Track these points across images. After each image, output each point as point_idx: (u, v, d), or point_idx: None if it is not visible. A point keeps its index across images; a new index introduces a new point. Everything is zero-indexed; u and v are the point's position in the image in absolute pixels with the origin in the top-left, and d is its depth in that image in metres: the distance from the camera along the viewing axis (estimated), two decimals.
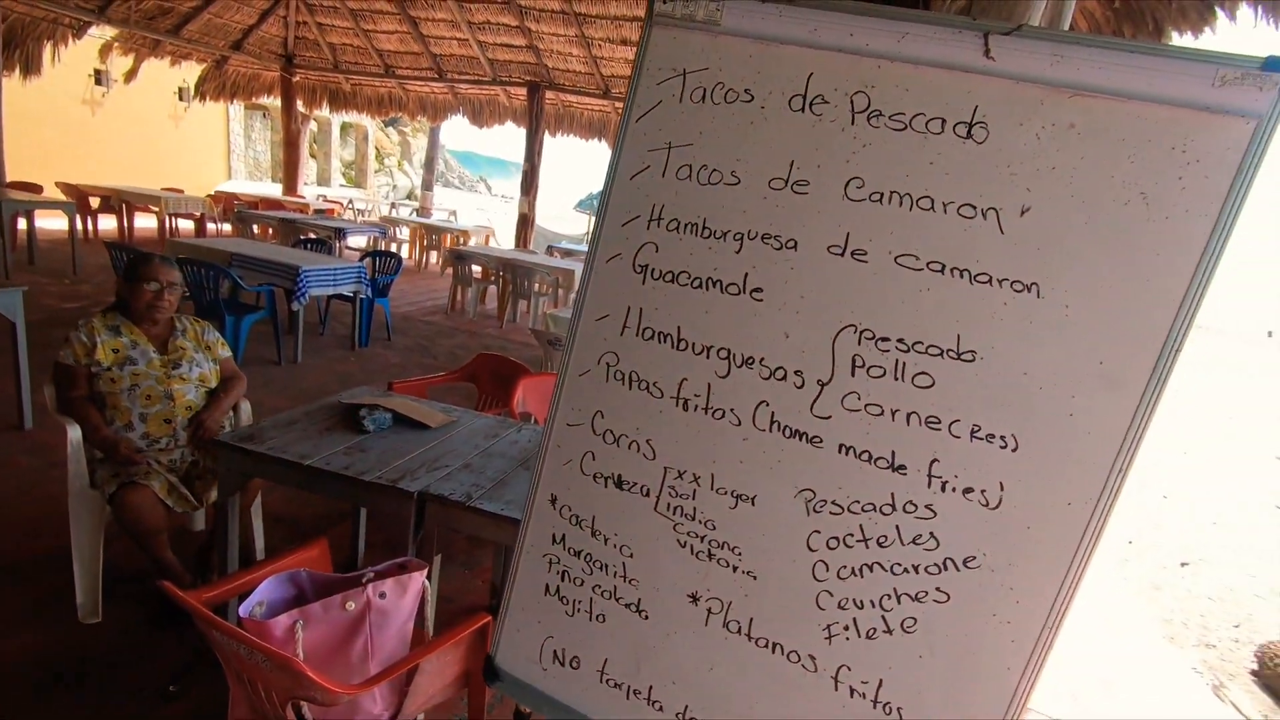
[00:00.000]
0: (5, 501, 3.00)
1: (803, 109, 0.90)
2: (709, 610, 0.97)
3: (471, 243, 10.56)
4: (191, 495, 2.47)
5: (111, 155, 11.19)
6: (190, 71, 11.61)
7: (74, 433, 2.36)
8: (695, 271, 0.96)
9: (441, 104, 11.61)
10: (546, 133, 10.51)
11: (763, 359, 0.93)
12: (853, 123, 0.88)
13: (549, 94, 10.29)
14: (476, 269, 8.22)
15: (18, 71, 8.79)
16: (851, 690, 0.91)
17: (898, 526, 0.88)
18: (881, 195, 0.87)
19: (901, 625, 0.88)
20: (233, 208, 10.38)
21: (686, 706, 0.99)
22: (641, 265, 1.00)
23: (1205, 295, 0.75)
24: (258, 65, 11.68)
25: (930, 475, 0.86)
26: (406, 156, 26.08)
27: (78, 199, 8.65)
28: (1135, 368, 0.79)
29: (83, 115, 10.83)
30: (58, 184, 9.07)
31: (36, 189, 8.26)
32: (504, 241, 11.99)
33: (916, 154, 0.85)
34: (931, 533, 0.87)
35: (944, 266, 0.84)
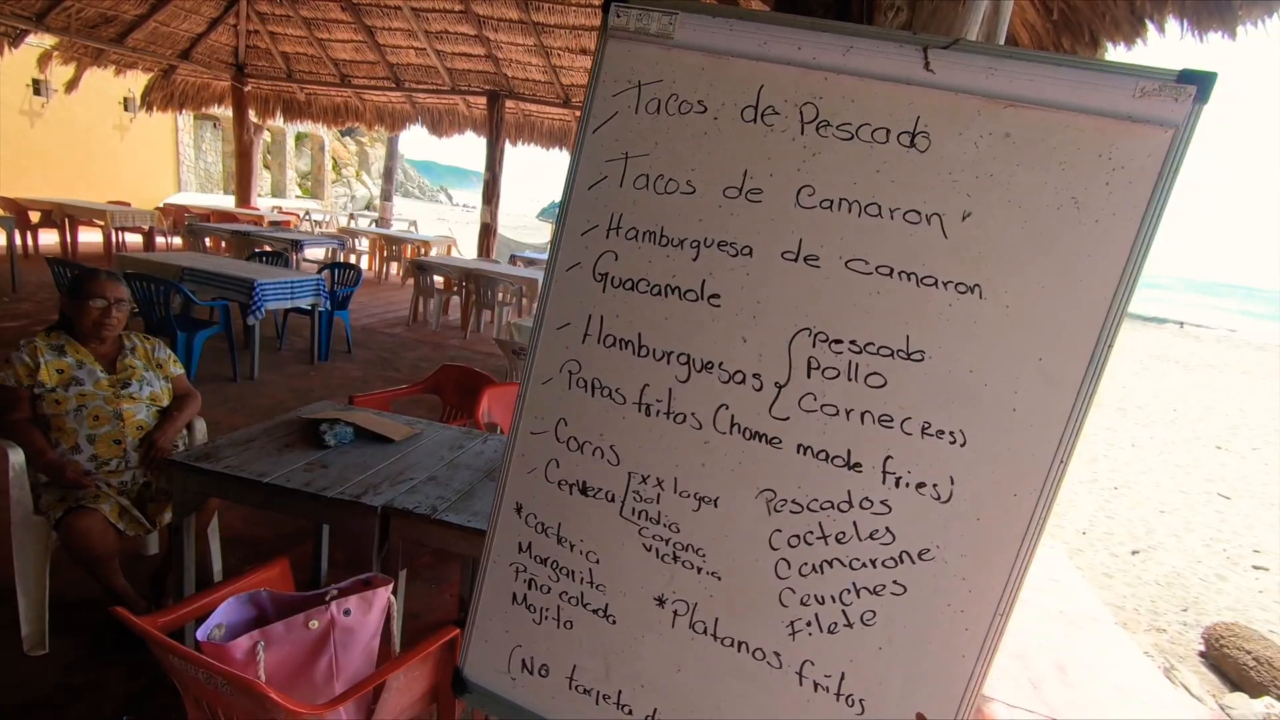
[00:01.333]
0: None
1: (754, 120, 0.92)
2: (675, 612, 0.98)
3: (433, 253, 10.46)
4: (144, 518, 2.39)
5: (53, 168, 10.79)
6: (136, 81, 11.28)
7: (16, 457, 2.26)
8: (654, 279, 0.98)
9: (399, 113, 11.49)
10: (507, 142, 10.48)
11: (721, 363, 0.95)
12: (802, 133, 0.91)
13: (509, 103, 10.27)
14: (438, 279, 8.14)
15: None
16: (815, 685, 0.93)
17: (855, 523, 0.90)
18: (831, 202, 0.90)
19: (861, 619, 0.91)
20: (183, 220, 10.08)
21: (655, 709, 1.00)
22: (601, 274, 1.01)
23: (1134, 293, 0.80)
24: (207, 75, 11.40)
25: (885, 472, 0.89)
26: (365, 167, 25.69)
27: (17, 214, 8.32)
28: (1071, 363, 0.83)
29: (21, 126, 10.42)
30: None
31: None
32: (466, 251, 11.89)
33: (863, 163, 0.89)
34: (887, 527, 0.89)
35: (892, 270, 0.88)
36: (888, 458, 0.89)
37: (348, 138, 24.04)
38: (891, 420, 0.88)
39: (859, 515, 0.90)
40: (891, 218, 0.87)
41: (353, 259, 10.56)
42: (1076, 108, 0.81)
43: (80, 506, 2.25)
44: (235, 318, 5.46)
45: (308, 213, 13.79)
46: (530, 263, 9.47)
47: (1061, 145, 0.82)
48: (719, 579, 0.96)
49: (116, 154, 12.05)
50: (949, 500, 0.88)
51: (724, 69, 0.93)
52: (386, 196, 17.17)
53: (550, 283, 1.04)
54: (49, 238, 9.21)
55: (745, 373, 0.94)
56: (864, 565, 0.90)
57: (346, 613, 1.63)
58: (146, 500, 2.45)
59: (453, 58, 10.17)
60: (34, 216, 8.82)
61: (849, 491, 0.90)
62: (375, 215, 17.26)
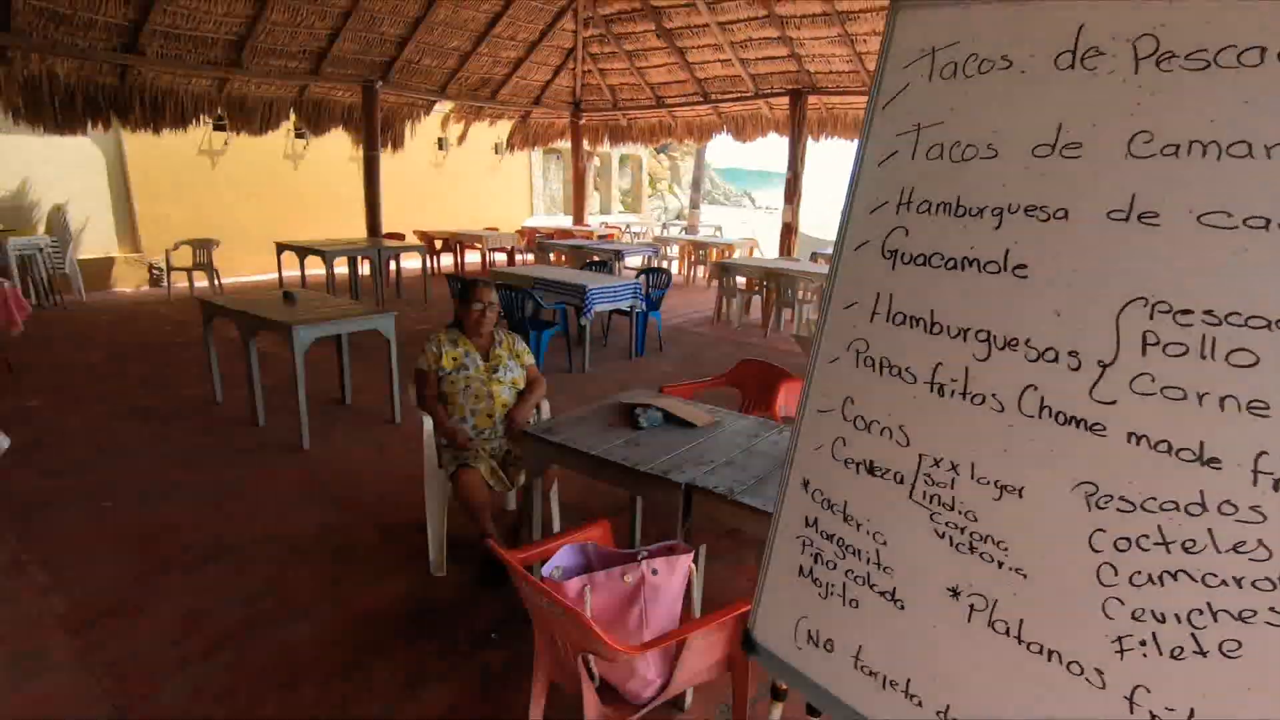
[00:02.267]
0: (384, 479, 3.89)
1: (1072, 65, 0.81)
2: (971, 606, 0.92)
3: (736, 255, 10.88)
4: (506, 478, 2.96)
5: (448, 205, 13.83)
6: (503, 128, 13.84)
7: (428, 424, 2.99)
8: (949, 252, 0.93)
9: (706, 125, 12.18)
10: (809, 139, 10.40)
11: (1029, 340, 0.86)
12: (1136, 71, 0.77)
13: (811, 99, 10.18)
14: (741, 280, 8.45)
15: (390, 147, 11.33)
16: (1152, 715, 0.79)
17: (1210, 530, 0.74)
18: (1177, 148, 0.75)
19: (1219, 648, 0.74)
20: (534, 239, 12.07)
21: (948, 706, 0.95)
22: (891, 250, 0.99)
23: None
24: (552, 114, 13.47)
25: (1256, 471, 0.72)
26: (676, 179, 27.80)
27: (427, 242, 10.83)
28: None
29: (430, 175, 13.57)
30: (415, 232, 11.47)
31: (400, 237, 10.54)
32: (768, 251, 12.12)
33: (1225, 95, 0.72)
34: (1260, 540, 0.72)
35: (1268, 222, 0.70)
36: (1261, 454, 0.71)
37: (661, 154, 26.23)
38: (1267, 408, 0.71)
39: (1216, 521, 0.74)
40: (1269, 157, 0.70)
41: (664, 264, 11.52)
42: None
43: (466, 464, 2.88)
44: (571, 319, 6.38)
45: (628, 225, 15.42)
46: None
47: None
48: (1024, 576, 0.87)
49: (489, 189, 14.97)
50: None
51: (1032, 16, 0.84)
52: (694, 204, 18.33)
53: (838, 262, 1.05)
54: (447, 259, 11.81)
55: (1058, 350, 0.84)
56: (1223, 583, 0.74)
57: (654, 572, 1.83)
58: (509, 464, 3.02)
59: (755, 63, 10.45)
60: (438, 244, 11.39)
61: (1201, 492, 0.75)
62: (684, 223, 18.54)
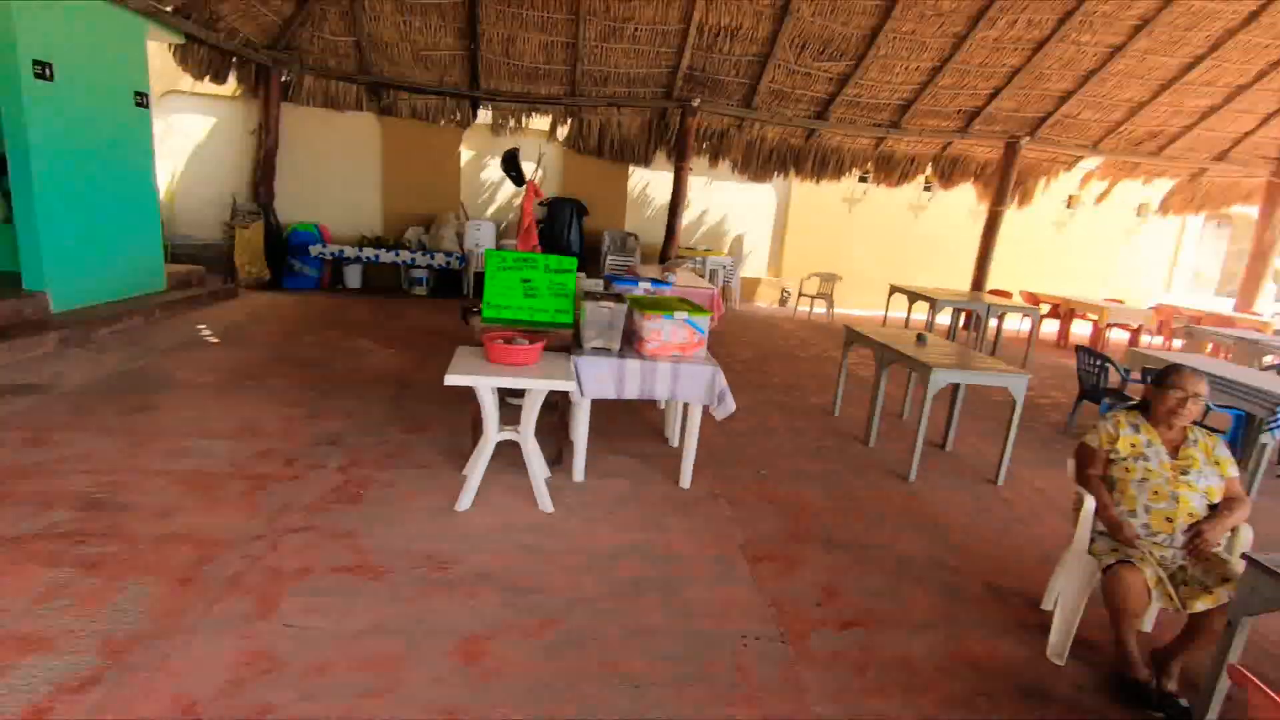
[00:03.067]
0: (986, 535, 3.83)
1: None
2: None
3: None
4: (1175, 596, 2.55)
5: (1064, 267, 12.59)
6: (1158, 187, 11.82)
7: (1088, 504, 2.80)
8: None
9: None
10: None
11: None
12: None
13: None
14: None
15: (1016, 202, 10.99)
16: None
17: None
18: None
19: None
20: (1171, 321, 10.01)
21: None
22: None
23: None
24: (1240, 172, 10.85)
25: None
26: None
27: (1034, 305, 10.12)
28: None
29: (1049, 234, 12.58)
30: (1021, 292, 10.87)
31: (1005, 295, 10.12)
32: None
33: None
34: None
35: None
36: None
37: None
38: None
39: None
40: None
41: None
42: None
43: (1129, 561, 2.59)
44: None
45: None
46: None
47: None
48: None
49: (1117, 255, 12.97)
50: None
51: None
52: None
53: None
54: (1049, 325, 10.82)
55: None
56: None
57: None
58: (1179, 582, 2.59)
59: None
60: (1043, 308, 10.53)
61: None
62: None
